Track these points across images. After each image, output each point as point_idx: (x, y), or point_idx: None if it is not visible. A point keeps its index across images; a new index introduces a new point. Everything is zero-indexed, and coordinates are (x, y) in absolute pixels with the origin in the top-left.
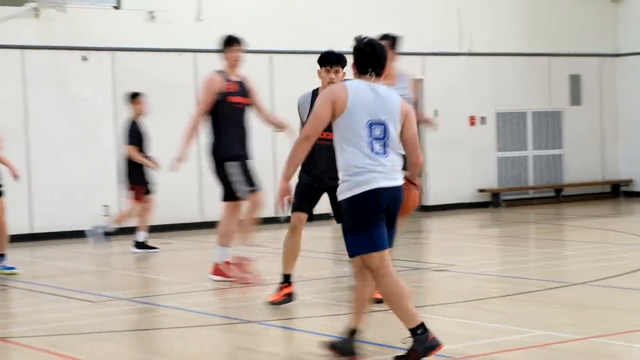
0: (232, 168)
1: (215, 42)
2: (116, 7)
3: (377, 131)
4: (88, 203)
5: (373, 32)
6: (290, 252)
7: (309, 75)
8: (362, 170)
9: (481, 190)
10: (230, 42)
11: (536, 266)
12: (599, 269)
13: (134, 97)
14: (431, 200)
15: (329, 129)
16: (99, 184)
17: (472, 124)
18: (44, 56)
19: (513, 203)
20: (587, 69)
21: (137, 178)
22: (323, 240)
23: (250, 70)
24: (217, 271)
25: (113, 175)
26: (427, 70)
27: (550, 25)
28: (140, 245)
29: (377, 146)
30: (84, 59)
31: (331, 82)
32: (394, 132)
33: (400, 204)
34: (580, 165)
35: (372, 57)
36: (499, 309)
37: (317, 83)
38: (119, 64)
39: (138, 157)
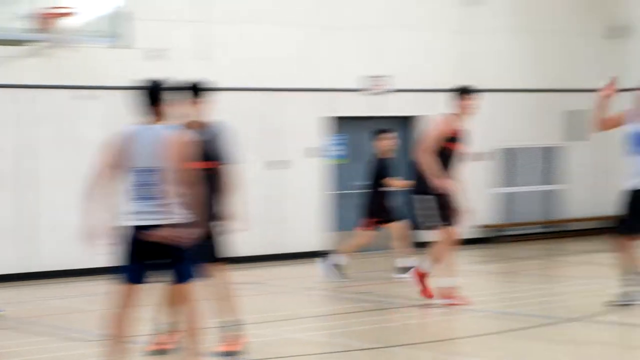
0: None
1: (223, 80)
2: (122, 47)
3: None
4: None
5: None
6: None
7: None
8: None
9: (483, 227)
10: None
11: (536, 302)
12: (594, 305)
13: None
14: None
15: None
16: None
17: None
18: (50, 96)
19: (512, 239)
20: (589, 104)
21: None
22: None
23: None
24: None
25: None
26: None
27: (554, 61)
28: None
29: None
30: (89, 97)
31: None
32: None
33: None
34: (580, 201)
35: None
36: (499, 345)
37: None
38: (124, 103)
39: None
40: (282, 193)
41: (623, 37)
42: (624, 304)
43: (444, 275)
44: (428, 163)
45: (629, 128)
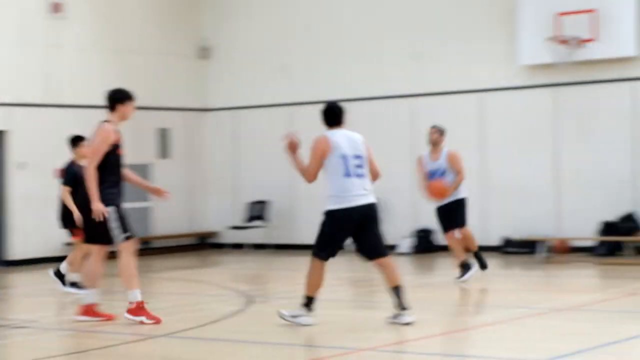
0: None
1: None
2: None
3: None
4: None
5: None
6: None
7: None
8: None
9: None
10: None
11: (121, 320)
12: (184, 320)
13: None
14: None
15: None
16: None
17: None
18: None
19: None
20: (176, 123)
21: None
22: None
23: None
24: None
25: None
26: None
27: (139, 79)
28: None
29: None
30: None
31: None
32: None
33: None
34: (168, 218)
35: None
36: None
37: None
38: None
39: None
40: None
41: (208, 58)
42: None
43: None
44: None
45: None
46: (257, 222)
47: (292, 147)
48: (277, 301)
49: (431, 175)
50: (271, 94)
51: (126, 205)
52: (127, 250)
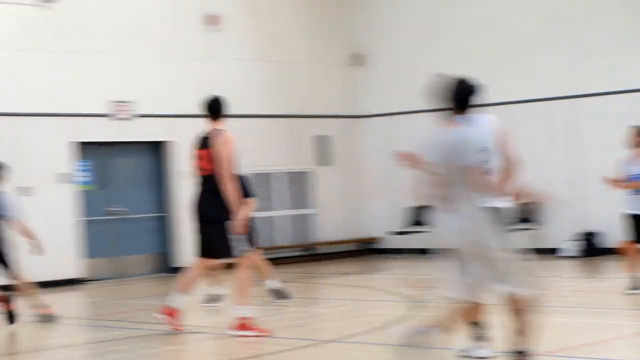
0: None
1: None
2: None
3: None
4: None
5: None
6: None
7: None
8: None
9: None
10: None
11: (291, 325)
12: (352, 326)
13: None
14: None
15: None
16: None
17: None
18: None
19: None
20: (333, 130)
21: None
22: None
23: None
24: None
25: None
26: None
27: (296, 88)
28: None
29: None
30: None
31: None
32: None
33: None
34: (330, 224)
35: None
36: None
37: None
38: None
39: None
40: (31, 220)
41: (361, 65)
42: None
43: (240, 304)
44: (232, 190)
45: None
46: (419, 227)
47: (411, 161)
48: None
49: (633, 180)
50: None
51: (290, 212)
52: (246, 263)
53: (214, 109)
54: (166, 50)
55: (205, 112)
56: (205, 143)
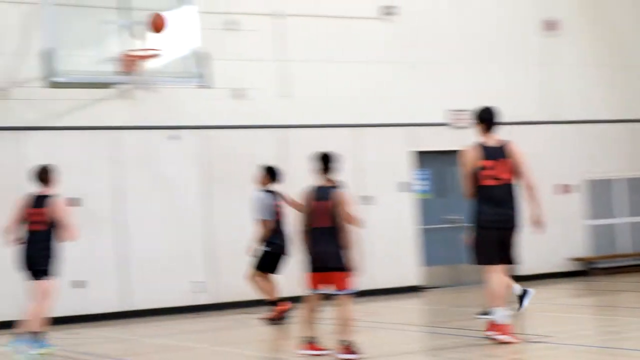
0: None
1: (304, 118)
2: (204, 87)
3: None
4: (176, 279)
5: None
6: None
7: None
8: None
9: (576, 259)
10: None
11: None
12: None
13: None
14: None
15: None
16: (186, 261)
17: (559, 192)
18: (136, 136)
19: (607, 271)
20: None
21: None
22: None
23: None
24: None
25: (199, 252)
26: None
27: (635, 92)
28: None
29: None
30: (173, 137)
31: None
32: None
33: None
34: None
35: None
36: None
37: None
38: (207, 142)
39: None
40: (371, 228)
41: None
42: None
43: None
44: (537, 195)
45: None
46: None
47: None
48: None
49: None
50: None
51: (626, 220)
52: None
53: (486, 119)
54: (504, 58)
55: (479, 122)
56: (499, 153)
